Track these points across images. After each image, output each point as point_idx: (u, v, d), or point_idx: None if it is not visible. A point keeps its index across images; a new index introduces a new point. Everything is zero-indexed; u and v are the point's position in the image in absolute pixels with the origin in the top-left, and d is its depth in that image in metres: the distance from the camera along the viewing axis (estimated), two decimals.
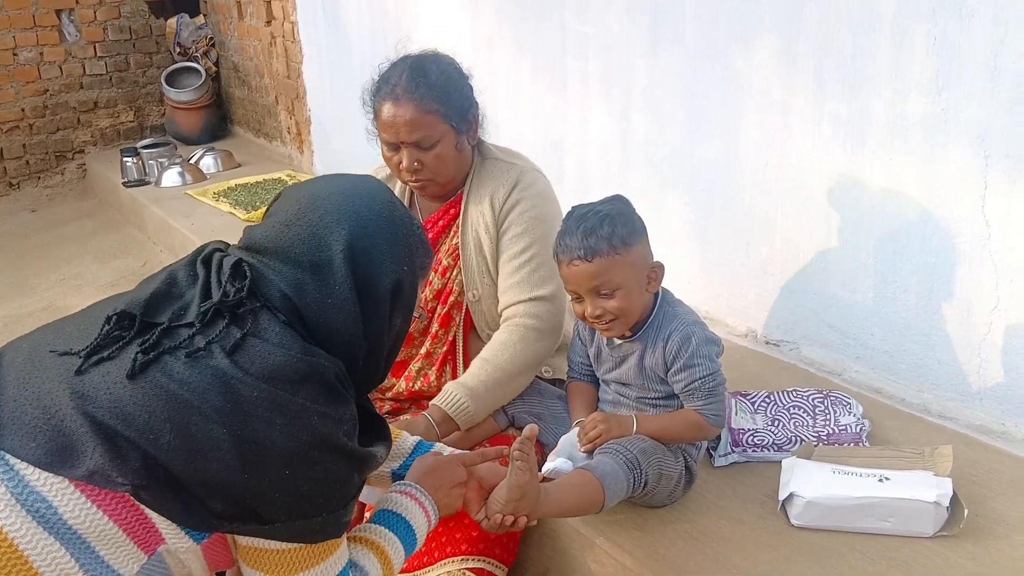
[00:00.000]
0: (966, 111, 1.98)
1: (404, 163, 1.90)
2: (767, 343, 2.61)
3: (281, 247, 1.27)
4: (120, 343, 1.17)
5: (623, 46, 2.85)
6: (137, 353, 1.14)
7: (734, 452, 2.02)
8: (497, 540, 1.76)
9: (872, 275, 2.27)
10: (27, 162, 6.02)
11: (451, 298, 2.00)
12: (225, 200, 4.62)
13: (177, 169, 5.10)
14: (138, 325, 1.19)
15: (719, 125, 2.59)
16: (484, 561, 1.73)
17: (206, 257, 1.30)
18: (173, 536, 1.16)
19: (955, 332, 2.12)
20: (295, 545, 1.20)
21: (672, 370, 1.75)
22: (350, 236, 1.27)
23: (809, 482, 1.77)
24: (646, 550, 1.75)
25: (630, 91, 2.87)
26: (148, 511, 1.13)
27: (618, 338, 1.81)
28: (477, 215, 1.99)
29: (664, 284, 1.82)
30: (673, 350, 1.74)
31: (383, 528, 1.37)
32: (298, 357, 1.19)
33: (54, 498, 1.09)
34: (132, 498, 1.12)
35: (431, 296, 1.99)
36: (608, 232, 1.68)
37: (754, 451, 2.02)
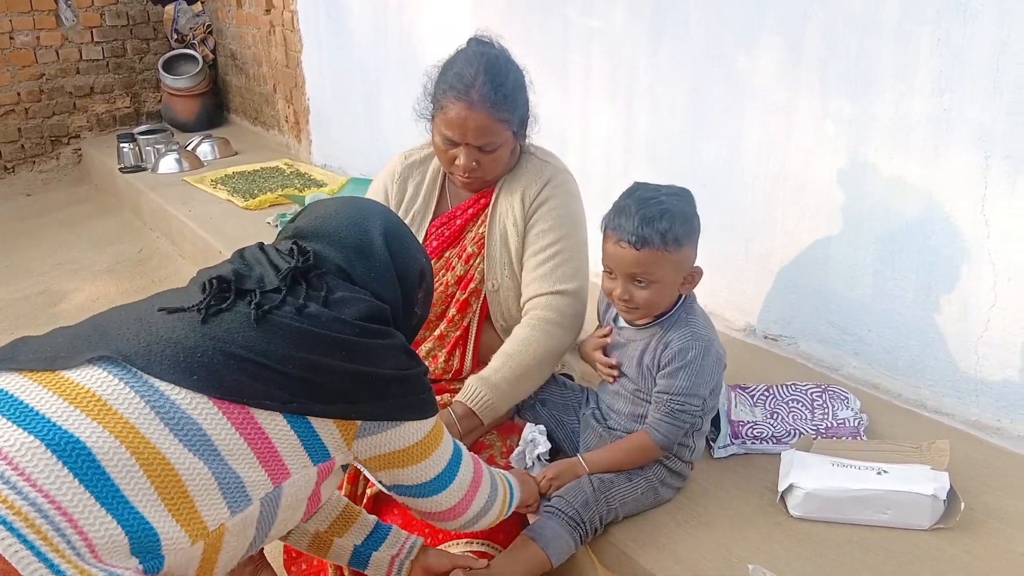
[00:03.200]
0: (968, 112, 2.01)
1: (462, 161, 1.92)
2: (765, 338, 2.64)
3: (328, 232, 1.43)
4: (226, 303, 1.26)
5: (627, 42, 2.86)
6: (252, 304, 1.25)
7: (733, 444, 2.04)
8: (500, 527, 1.78)
9: (871, 272, 2.30)
10: (22, 146, 6.00)
11: (471, 285, 2.02)
12: (223, 187, 4.61)
13: (174, 156, 5.09)
14: (234, 291, 1.28)
15: (722, 122, 2.61)
16: (487, 545, 1.76)
17: (255, 249, 1.42)
18: (296, 464, 1.25)
19: (953, 329, 2.15)
20: (415, 441, 1.36)
21: (660, 373, 1.76)
22: (385, 224, 1.46)
23: (808, 474, 1.80)
24: (647, 538, 1.77)
25: (633, 87, 2.88)
26: (276, 445, 1.22)
27: (628, 322, 1.83)
28: (507, 207, 2.02)
29: None
30: (669, 356, 1.74)
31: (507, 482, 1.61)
32: (376, 304, 1.36)
33: (199, 416, 1.16)
34: (285, 416, 1.23)
35: (452, 281, 2.02)
36: (665, 228, 1.65)
37: (753, 443, 2.05)
